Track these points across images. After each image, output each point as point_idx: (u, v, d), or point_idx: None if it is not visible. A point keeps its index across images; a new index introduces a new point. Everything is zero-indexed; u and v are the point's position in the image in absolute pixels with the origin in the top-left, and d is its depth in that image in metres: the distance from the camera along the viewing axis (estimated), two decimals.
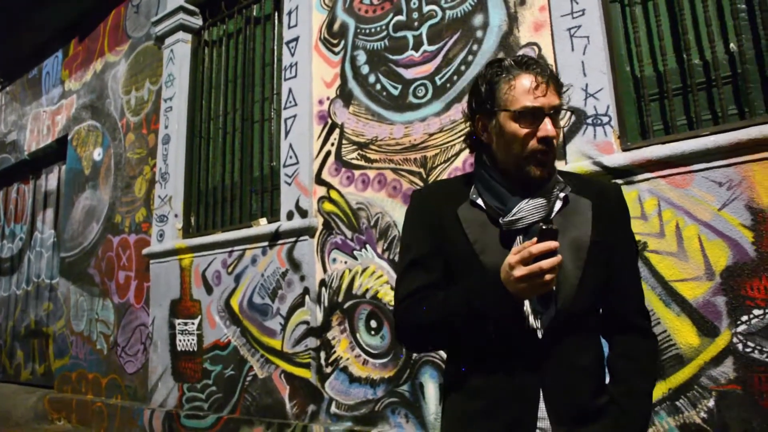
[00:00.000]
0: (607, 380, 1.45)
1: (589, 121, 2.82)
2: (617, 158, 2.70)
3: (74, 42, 6.66)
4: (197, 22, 5.23)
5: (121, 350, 5.20)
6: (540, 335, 1.34)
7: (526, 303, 1.33)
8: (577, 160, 2.81)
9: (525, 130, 1.34)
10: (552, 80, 1.37)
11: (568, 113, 1.48)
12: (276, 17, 4.63)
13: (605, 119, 2.78)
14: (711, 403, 2.43)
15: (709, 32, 2.72)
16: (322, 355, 3.72)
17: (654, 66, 2.90)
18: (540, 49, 3.05)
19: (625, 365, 1.44)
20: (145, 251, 5.03)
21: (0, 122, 7.90)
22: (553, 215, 1.41)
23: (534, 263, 1.24)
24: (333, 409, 3.61)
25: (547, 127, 1.33)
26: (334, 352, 3.67)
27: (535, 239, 1.26)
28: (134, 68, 5.69)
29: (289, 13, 4.29)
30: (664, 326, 2.56)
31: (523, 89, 1.35)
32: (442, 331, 1.41)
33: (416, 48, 3.57)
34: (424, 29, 3.55)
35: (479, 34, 3.30)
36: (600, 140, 2.78)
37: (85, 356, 5.62)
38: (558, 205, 1.42)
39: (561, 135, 1.47)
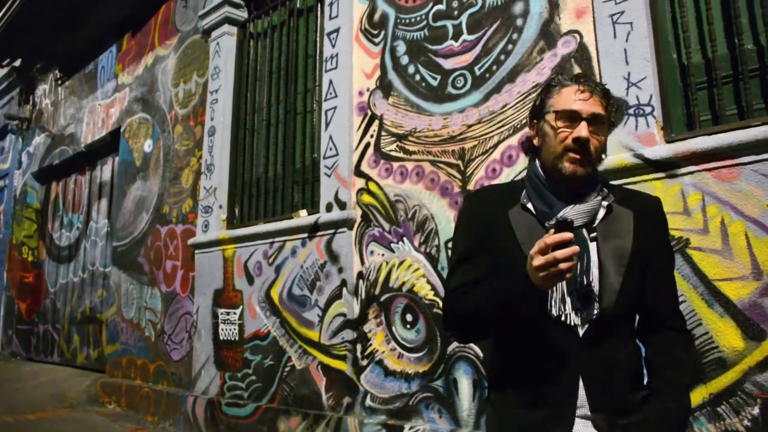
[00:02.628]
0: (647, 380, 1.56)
1: (631, 111, 2.70)
2: (659, 150, 2.57)
3: (127, 37, 6.84)
4: (243, 14, 5.28)
5: (168, 338, 5.32)
6: (580, 332, 1.47)
7: (568, 301, 1.46)
8: (617, 152, 2.70)
9: (561, 129, 1.51)
10: (598, 93, 1.52)
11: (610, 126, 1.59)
12: (318, 8, 4.62)
13: (648, 109, 2.66)
14: (755, 410, 2.30)
15: (764, 14, 2.56)
16: (358, 347, 3.71)
17: (702, 52, 2.75)
18: (582, 37, 2.94)
19: (662, 360, 1.54)
20: (190, 241, 5.13)
21: (59, 116, 8.19)
22: (597, 222, 1.54)
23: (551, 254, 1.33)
24: (368, 402, 3.60)
25: (581, 129, 1.47)
26: (370, 345, 3.66)
27: (552, 231, 1.36)
28: (182, 61, 5.79)
29: (331, 4, 4.28)
30: (706, 327, 2.44)
31: (566, 95, 1.53)
32: (482, 321, 1.55)
33: (456, 37, 3.50)
34: (463, 18, 3.48)
35: (519, 22, 3.21)
36: (642, 131, 2.66)
37: (135, 343, 5.78)
38: (602, 213, 1.54)
39: (603, 145, 1.57)
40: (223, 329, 4.70)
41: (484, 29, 3.36)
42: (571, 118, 1.49)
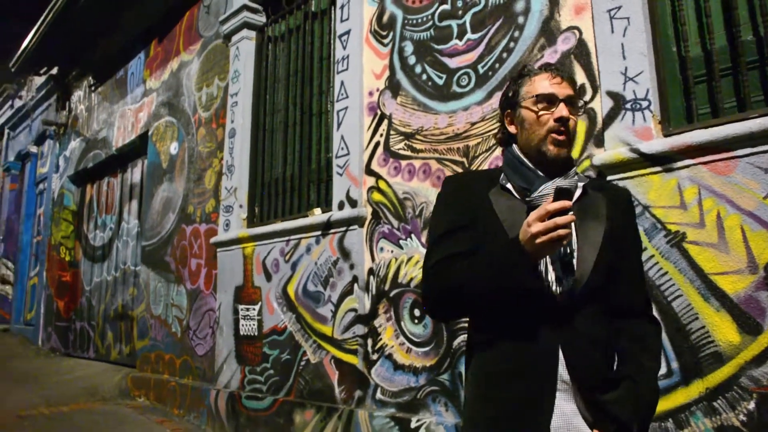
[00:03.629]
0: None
1: (628, 106, 2.71)
2: (656, 144, 2.58)
3: (154, 43, 7.04)
4: (261, 19, 5.40)
5: (193, 333, 5.48)
6: (559, 300, 1.49)
7: (550, 270, 1.49)
8: (614, 146, 2.71)
9: (543, 113, 1.56)
10: (568, 79, 1.60)
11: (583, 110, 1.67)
12: (331, 11, 4.71)
13: (645, 104, 2.66)
14: (751, 405, 2.29)
15: (762, 6, 2.54)
16: (369, 342, 3.79)
17: (702, 45, 2.74)
18: (581, 33, 2.96)
19: (635, 347, 1.57)
20: (213, 240, 5.27)
21: (93, 120, 8.46)
22: (573, 200, 1.53)
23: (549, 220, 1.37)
24: (378, 395, 3.67)
25: (562, 109, 1.54)
26: (380, 339, 3.72)
27: (551, 198, 1.42)
28: (205, 66, 5.95)
29: (342, 7, 4.36)
30: (702, 322, 2.44)
31: (539, 82, 1.59)
32: (467, 293, 1.52)
33: (460, 37, 3.55)
34: (467, 17, 3.52)
35: (521, 20, 3.24)
36: (639, 126, 2.67)
37: (162, 338, 5.97)
38: (578, 192, 1.59)
39: (576, 127, 1.62)
40: (243, 325, 4.83)
41: (487, 28, 3.40)
42: (550, 101, 1.55)
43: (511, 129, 1.65)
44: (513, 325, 1.51)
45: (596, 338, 1.51)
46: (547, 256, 1.48)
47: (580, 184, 1.60)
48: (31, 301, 9.93)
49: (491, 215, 1.57)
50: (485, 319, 1.59)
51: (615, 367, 1.55)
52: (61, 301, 8.66)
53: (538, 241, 1.37)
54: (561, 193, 1.39)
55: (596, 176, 2.74)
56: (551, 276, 1.49)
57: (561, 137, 1.53)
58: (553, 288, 1.49)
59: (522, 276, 1.44)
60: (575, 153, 2.91)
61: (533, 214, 1.39)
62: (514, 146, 1.64)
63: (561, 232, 1.35)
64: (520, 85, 1.63)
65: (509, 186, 1.60)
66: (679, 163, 2.54)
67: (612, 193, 1.67)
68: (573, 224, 1.45)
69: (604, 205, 1.60)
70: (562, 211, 1.37)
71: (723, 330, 2.39)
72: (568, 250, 1.51)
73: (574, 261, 1.51)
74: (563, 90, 1.56)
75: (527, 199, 1.54)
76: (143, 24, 7.15)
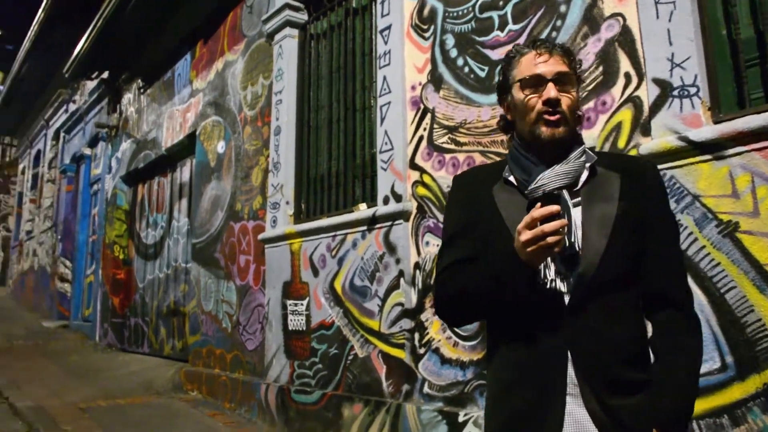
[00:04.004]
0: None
1: (676, 93, 2.64)
2: (705, 132, 2.51)
3: (200, 44, 7.19)
4: (303, 17, 5.46)
5: (243, 329, 5.59)
6: (566, 299, 1.40)
7: (552, 266, 1.38)
8: (662, 135, 2.65)
9: (530, 96, 1.46)
10: (558, 52, 1.49)
11: (579, 80, 1.53)
12: (372, 7, 4.72)
13: (693, 90, 2.59)
14: None
15: None
16: (416, 336, 3.80)
17: (754, 27, 2.65)
18: (625, 20, 2.90)
19: (661, 343, 1.44)
20: (260, 236, 5.37)
21: (143, 122, 8.69)
22: (580, 186, 1.47)
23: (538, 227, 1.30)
24: (425, 389, 3.68)
25: (550, 90, 1.43)
26: (427, 333, 3.73)
27: (539, 204, 1.33)
28: (249, 65, 6.04)
29: (383, 2, 4.37)
30: (758, 314, 2.36)
31: (525, 63, 1.49)
32: (471, 301, 1.50)
33: (501, 28, 3.51)
34: (509, 8, 3.48)
35: (563, 8, 3.19)
36: (687, 113, 2.60)
37: (213, 334, 6.10)
38: (585, 175, 1.48)
39: (576, 103, 1.50)
40: (291, 320, 4.90)
41: (528, 18, 3.36)
42: (537, 83, 1.46)
43: (509, 116, 1.56)
44: (519, 329, 1.44)
45: (611, 336, 1.39)
46: None
47: (587, 164, 1.48)
48: (88, 298, 10.30)
49: (494, 212, 1.51)
50: (495, 324, 1.55)
51: (644, 368, 1.43)
52: (116, 298, 8.95)
53: (528, 250, 1.32)
54: (549, 198, 1.33)
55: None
56: (551, 272, 1.39)
57: (553, 117, 1.43)
58: (557, 285, 1.39)
59: (520, 286, 1.38)
60: (621, 143, 2.86)
61: (522, 222, 1.33)
62: (515, 134, 1.56)
63: (550, 240, 1.29)
64: (509, 68, 1.54)
65: (512, 179, 1.52)
66: (731, 151, 2.47)
67: (630, 168, 1.52)
68: (568, 214, 1.38)
69: (618, 184, 1.47)
70: (552, 217, 1.30)
71: None
72: (568, 243, 1.39)
73: (579, 253, 1.40)
74: (551, 67, 1.45)
75: (525, 192, 1.46)
76: (188, 26, 7.31)
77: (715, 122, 2.57)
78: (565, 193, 1.42)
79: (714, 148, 2.51)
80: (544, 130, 1.44)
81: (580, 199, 1.46)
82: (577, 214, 1.43)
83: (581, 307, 1.39)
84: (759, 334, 2.36)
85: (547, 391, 1.39)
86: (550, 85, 1.44)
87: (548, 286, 1.38)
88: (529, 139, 1.48)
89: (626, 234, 1.43)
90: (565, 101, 1.45)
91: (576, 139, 1.50)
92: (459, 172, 3.61)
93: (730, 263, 2.45)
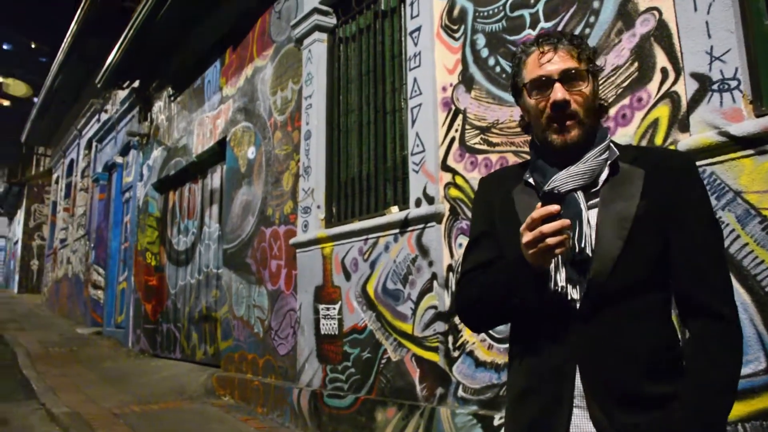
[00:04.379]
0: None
1: (715, 87, 2.58)
2: (747, 126, 2.44)
3: (229, 51, 7.26)
4: (331, 21, 5.47)
5: (275, 333, 5.61)
6: (578, 305, 1.33)
7: (562, 272, 1.32)
8: (701, 131, 2.59)
9: (538, 100, 1.39)
10: (564, 46, 1.39)
11: (591, 75, 1.41)
12: (401, 9, 4.72)
13: (733, 83, 2.53)
14: None
15: None
16: (450, 339, 3.77)
17: None
18: (661, 14, 2.85)
19: (694, 356, 1.31)
20: (292, 241, 5.38)
21: (173, 129, 8.81)
22: (600, 185, 1.39)
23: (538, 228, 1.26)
24: (460, 392, 3.64)
25: (556, 92, 1.35)
26: (461, 336, 3.70)
27: (539, 205, 1.28)
28: (279, 70, 6.08)
29: (412, 4, 4.36)
30: None
31: (531, 64, 1.42)
32: (486, 307, 1.46)
33: (533, 26, 3.48)
34: (540, 6, 3.45)
35: (596, 4, 3.15)
36: (727, 107, 2.54)
37: (245, 339, 6.13)
38: (605, 174, 1.39)
39: (593, 97, 1.41)
40: (323, 324, 4.90)
41: (560, 15, 3.32)
42: (543, 84, 1.37)
43: (526, 117, 1.49)
44: (532, 335, 1.39)
45: (626, 346, 1.29)
46: (559, 258, 1.31)
47: (609, 163, 1.39)
48: (120, 305, 10.45)
49: (512, 215, 1.45)
50: (513, 329, 1.52)
51: (666, 381, 1.31)
52: (148, 304, 9.05)
53: (530, 252, 1.27)
54: (549, 197, 1.29)
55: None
56: (561, 278, 1.32)
57: (563, 122, 1.35)
58: (568, 292, 1.32)
59: (528, 290, 1.32)
60: (658, 139, 2.80)
61: (524, 223, 1.28)
62: (534, 137, 1.49)
63: (549, 241, 1.23)
64: (519, 69, 1.46)
65: (531, 180, 1.47)
66: None
67: (660, 163, 1.39)
68: (587, 213, 1.33)
69: (641, 180, 1.36)
70: (553, 217, 1.24)
71: None
72: (578, 248, 1.32)
73: (590, 257, 1.32)
74: (557, 65, 1.36)
75: (540, 195, 1.38)
76: (218, 33, 7.39)
77: (758, 116, 2.50)
78: (579, 194, 1.35)
79: (757, 143, 2.43)
80: (555, 138, 1.37)
81: (598, 200, 1.38)
82: (593, 215, 1.36)
83: (592, 315, 1.32)
84: None
85: (556, 402, 1.33)
86: (557, 86, 1.35)
87: (558, 293, 1.32)
88: (544, 143, 1.42)
89: (647, 235, 1.33)
90: (576, 100, 1.36)
91: (597, 134, 1.41)
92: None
93: None
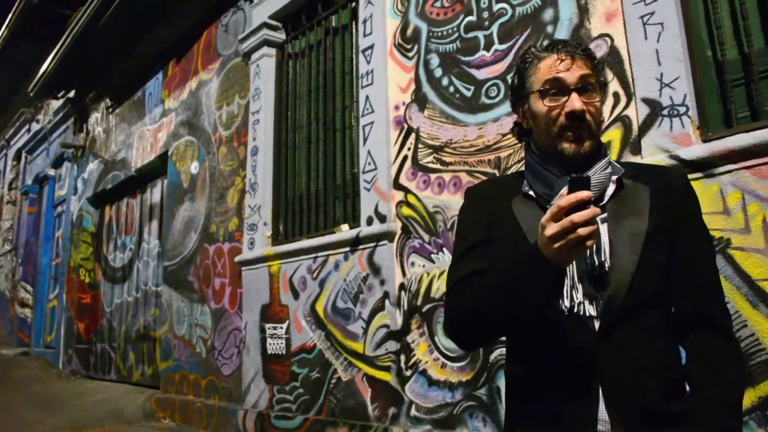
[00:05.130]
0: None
1: (665, 112, 2.68)
2: (696, 150, 2.54)
3: (172, 63, 7.09)
4: (280, 36, 5.42)
5: (218, 353, 5.45)
6: (596, 324, 1.27)
7: (579, 287, 1.26)
8: (653, 154, 2.68)
9: (552, 107, 1.34)
10: (580, 56, 1.35)
11: (605, 87, 1.41)
12: (353, 26, 4.72)
13: (682, 109, 2.63)
14: None
15: None
16: (402, 358, 3.74)
17: (738, 48, 2.71)
18: (612, 40, 2.94)
19: (701, 371, 1.29)
20: (237, 259, 5.26)
21: (111, 142, 8.51)
22: (606, 200, 1.35)
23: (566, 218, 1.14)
24: (413, 411, 3.62)
25: (573, 102, 1.31)
26: (414, 355, 3.68)
27: (565, 191, 1.17)
28: (225, 84, 5.97)
29: (365, 22, 4.37)
30: (752, 329, 2.38)
31: (545, 68, 1.36)
32: (485, 316, 1.33)
33: (487, 48, 3.53)
34: (494, 28, 3.51)
35: (549, 29, 3.22)
36: (677, 132, 2.64)
37: (187, 359, 5.94)
38: (611, 189, 1.36)
39: (601, 109, 1.40)
40: (270, 344, 4.80)
41: (515, 38, 3.38)
42: (559, 91, 1.33)
43: (525, 124, 1.44)
44: (543, 353, 1.31)
45: (650, 364, 1.26)
46: (574, 272, 1.26)
47: (614, 177, 1.36)
48: (50, 324, 9.95)
49: (514, 228, 1.38)
50: (515, 345, 1.43)
51: (680, 397, 1.30)
52: (81, 323, 8.67)
53: (555, 246, 1.15)
54: (577, 183, 1.15)
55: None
56: (578, 294, 1.26)
57: (576, 133, 1.31)
58: (585, 309, 1.26)
59: (543, 291, 1.23)
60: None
61: (547, 214, 1.17)
62: (532, 144, 1.43)
63: (581, 231, 1.12)
64: (526, 72, 1.40)
65: (532, 193, 1.41)
66: (721, 169, 2.50)
67: (661, 179, 1.39)
68: (601, 221, 1.28)
69: (648, 196, 1.35)
70: (581, 206, 1.13)
71: None
72: (597, 262, 1.28)
73: (607, 272, 1.28)
74: (574, 73, 1.32)
75: (548, 206, 1.28)
76: (161, 45, 7.20)
77: (705, 141, 2.60)
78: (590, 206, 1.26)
79: (704, 166, 2.53)
80: (568, 147, 1.32)
81: (606, 215, 1.34)
82: (603, 230, 1.31)
83: (613, 333, 1.27)
84: (753, 348, 2.38)
85: (578, 427, 1.25)
86: (574, 95, 1.31)
87: (575, 310, 1.25)
88: (551, 151, 1.36)
89: (659, 251, 1.32)
90: (590, 111, 1.33)
91: (600, 148, 1.38)
92: (445, 191, 3.61)
93: (722, 279, 2.46)
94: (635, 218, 1.33)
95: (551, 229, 1.15)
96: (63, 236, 9.75)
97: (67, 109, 9.89)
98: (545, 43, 3.16)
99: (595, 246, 1.26)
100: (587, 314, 1.27)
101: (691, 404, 1.27)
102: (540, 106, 1.36)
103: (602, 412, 1.25)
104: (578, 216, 1.12)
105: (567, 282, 1.26)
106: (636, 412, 1.24)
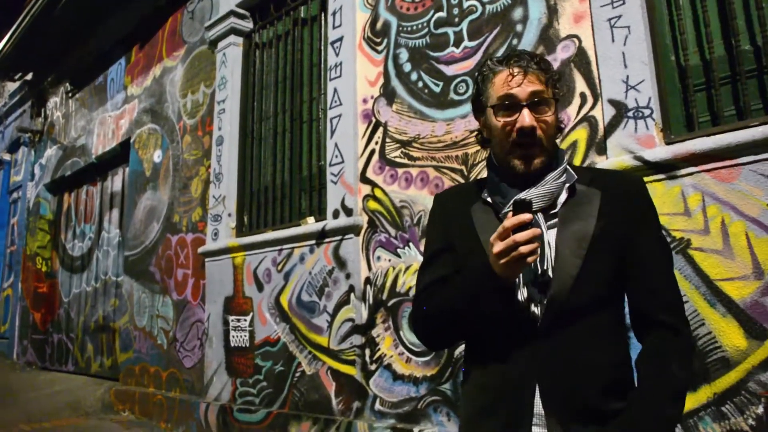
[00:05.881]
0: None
1: (630, 114, 2.73)
2: (659, 152, 2.60)
3: (135, 49, 6.93)
4: (248, 25, 5.35)
5: (180, 345, 5.38)
6: (538, 323, 1.35)
7: (524, 290, 1.35)
8: (618, 154, 2.73)
9: (503, 123, 1.38)
10: (533, 69, 1.38)
11: (555, 102, 1.44)
12: (322, 18, 4.68)
13: (647, 112, 2.68)
14: (759, 409, 2.32)
15: (760, 16, 2.58)
16: (367, 352, 3.75)
17: (700, 54, 2.78)
18: (580, 42, 2.98)
19: (647, 367, 1.34)
20: (200, 250, 5.19)
21: (71, 128, 8.30)
22: (558, 207, 1.41)
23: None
24: (377, 406, 3.63)
25: (524, 118, 1.35)
26: (379, 349, 3.69)
27: (510, 214, 1.28)
28: (190, 72, 5.87)
29: (334, 14, 4.34)
30: (708, 327, 2.46)
31: (499, 83, 1.39)
32: (447, 321, 1.44)
33: (457, 44, 3.54)
34: (464, 25, 3.52)
35: (519, 27, 3.25)
36: (641, 134, 2.69)
37: (147, 351, 5.85)
38: (564, 195, 1.42)
39: (555, 124, 1.45)
40: (233, 336, 4.76)
41: (484, 35, 3.40)
42: (511, 107, 1.36)
43: (485, 133, 1.50)
44: (492, 352, 1.38)
45: (585, 363, 1.32)
46: (521, 277, 1.34)
47: (567, 185, 1.42)
48: (4, 314, 9.68)
49: (471, 234, 1.45)
50: (471, 345, 1.51)
51: (624, 395, 1.35)
52: (37, 313, 8.46)
53: (501, 262, 1.26)
54: (519, 206, 1.26)
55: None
56: (522, 298, 1.35)
57: (527, 150, 1.37)
58: (531, 310, 1.34)
59: (493, 301, 1.32)
60: (576, 160, 2.92)
61: (495, 233, 1.28)
62: (491, 154, 1.50)
63: (523, 249, 1.23)
64: (483, 86, 1.45)
65: (489, 199, 1.47)
66: (683, 171, 2.57)
67: (615, 184, 1.45)
68: (547, 234, 1.36)
69: (598, 200, 1.40)
70: (525, 225, 1.25)
71: (729, 335, 2.41)
72: (540, 270, 1.35)
73: (551, 277, 1.34)
74: (525, 89, 1.36)
75: (500, 214, 1.41)
76: (123, 29, 7.03)
77: (668, 143, 2.66)
78: (539, 216, 1.37)
79: (667, 168, 2.60)
80: (518, 164, 1.38)
81: (556, 221, 1.40)
82: (552, 236, 1.38)
83: (552, 333, 1.33)
84: (710, 346, 2.45)
85: (514, 421, 1.32)
86: (525, 111, 1.35)
87: (522, 312, 1.35)
88: (503, 163, 1.43)
89: (604, 255, 1.36)
90: (541, 126, 1.37)
91: (554, 158, 1.43)
92: (412, 186, 3.62)
93: (682, 278, 2.53)
94: (583, 223, 1.38)
95: (497, 247, 1.27)
96: (18, 223, 9.49)
97: (24, 92, 9.60)
98: (514, 42, 3.21)
99: (540, 255, 1.33)
100: (532, 317, 1.35)
101: (631, 399, 1.32)
102: (494, 121, 1.40)
103: (538, 407, 1.31)
104: (520, 236, 1.24)
105: (517, 286, 1.36)
106: (572, 408, 1.30)
